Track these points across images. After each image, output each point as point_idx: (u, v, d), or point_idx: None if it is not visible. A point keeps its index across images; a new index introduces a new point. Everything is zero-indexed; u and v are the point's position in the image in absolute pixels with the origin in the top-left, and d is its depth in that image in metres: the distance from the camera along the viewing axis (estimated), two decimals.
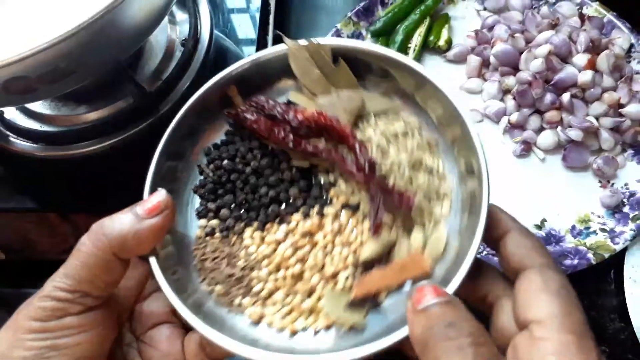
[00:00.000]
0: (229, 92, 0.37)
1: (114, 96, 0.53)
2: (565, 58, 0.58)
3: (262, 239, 0.34)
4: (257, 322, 0.33)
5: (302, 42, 0.36)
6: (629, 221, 0.52)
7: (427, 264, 0.31)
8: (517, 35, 0.60)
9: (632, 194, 0.54)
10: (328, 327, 0.32)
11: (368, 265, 0.32)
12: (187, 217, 0.36)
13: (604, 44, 0.58)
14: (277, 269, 0.33)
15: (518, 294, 0.27)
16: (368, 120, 0.36)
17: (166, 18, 0.55)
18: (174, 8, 0.58)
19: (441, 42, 0.64)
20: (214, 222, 0.35)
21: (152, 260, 0.32)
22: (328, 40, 0.36)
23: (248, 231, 0.34)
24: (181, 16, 0.59)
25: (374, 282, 0.31)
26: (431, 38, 0.65)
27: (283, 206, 0.35)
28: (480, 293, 0.31)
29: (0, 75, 0.37)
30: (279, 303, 0.33)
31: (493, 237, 0.31)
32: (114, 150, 0.50)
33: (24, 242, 0.57)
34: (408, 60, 0.35)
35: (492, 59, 0.61)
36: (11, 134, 0.54)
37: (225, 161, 0.36)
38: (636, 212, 0.53)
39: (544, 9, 0.63)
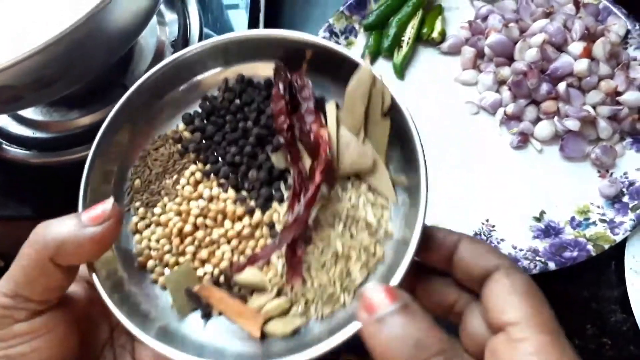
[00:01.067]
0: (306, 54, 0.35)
1: (105, 100, 0.53)
2: (560, 47, 0.57)
3: (196, 183, 0.35)
4: (133, 231, 0.35)
5: (377, 74, 0.33)
6: (629, 211, 0.52)
7: (257, 329, 0.31)
8: (511, 25, 0.59)
9: (632, 183, 0.53)
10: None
11: (229, 281, 0.32)
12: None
13: (600, 31, 0.57)
14: (179, 213, 0.34)
15: (488, 298, 0.27)
16: (358, 187, 0.34)
17: (155, 19, 0.55)
18: (163, 8, 0.58)
19: (435, 34, 0.64)
20: (187, 134, 0.36)
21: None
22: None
23: (194, 167, 0.35)
24: (170, 16, 0.58)
25: (215, 296, 0.32)
26: (424, 30, 0.64)
27: (234, 174, 0.35)
28: (448, 302, 0.31)
29: None
30: (155, 234, 0.34)
31: (444, 254, 0.30)
32: None
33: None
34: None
35: (486, 50, 0.60)
36: (4, 142, 0.54)
37: (238, 101, 0.36)
38: (636, 202, 0.52)
39: None
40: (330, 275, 0.32)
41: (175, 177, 0.35)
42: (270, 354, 0.30)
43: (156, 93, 0.36)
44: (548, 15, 0.60)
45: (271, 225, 0.33)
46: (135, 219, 0.35)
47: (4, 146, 0.54)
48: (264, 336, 0.31)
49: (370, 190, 0.34)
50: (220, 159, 0.35)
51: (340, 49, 0.34)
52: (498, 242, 0.53)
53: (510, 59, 0.59)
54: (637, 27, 0.58)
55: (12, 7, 0.41)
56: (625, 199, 0.53)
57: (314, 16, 0.73)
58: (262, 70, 0.37)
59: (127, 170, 0.36)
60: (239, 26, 0.66)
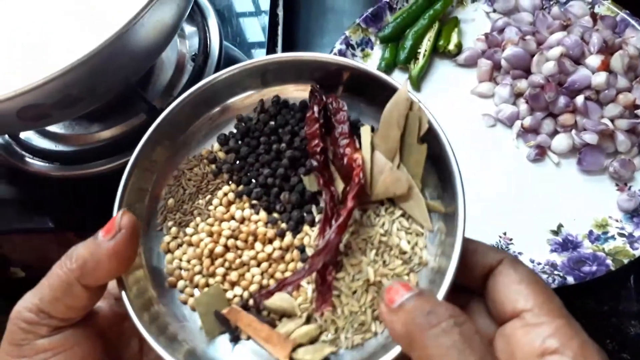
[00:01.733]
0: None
1: (126, 114, 0.53)
2: (578, 59, 0.57)
3: (228, 203, 0.35)
4: (165, 250, 0.35)
5: (414, 98, 0.33)
6: None
7: (286, 355, 0.30)
8: (527, 37, 0.59)
9: None
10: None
11: (257, 305, 0.32)
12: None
13: (618, 43, 0.57)
14: (210, 234, 0.34)
15: (497, 289, 0.29)
16: (392, 212, 0.33)
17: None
18: (183, 23, 0.58)
19: (451, 47, 0.64)
20: (221, 154, 0.37)
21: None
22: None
23: (227, 188, 0.36)
24: (190, 29, 0.59)
25: (243, 320, 0.32)
26: (441, 42, 0.64)
27: (265, 197, 0.35)
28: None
29: (14, 104, 0.37)
30: (187, 255, 0.34)
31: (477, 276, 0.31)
32: None
33: (42, 260, 0.58)
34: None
35: (503, 62, 0.61)
36: (27, 154, 0.55)
37: (273, 122, 0.37)
38: None
39: (555, 10, 0.63)
40: (362, 303, 0.31)
41: (208, 197, 0.35)
42: None
43: (192, 113, 0.37)
44: (565, 27, 0.60)
45: (302, 249, 0.33)
46: (167, 238, 0.35)
47: (27, 159, 0.54)
48: None
49: (405, 216, 0.33)
50: (253, 180, 0.35)
51: (378, 73, 0.34)
52: (516, 256, 0.53)
53: (527, 72, 0.59)
54: None
55: (37, 27, 0.42)
56: None
57: (330, 25, 0.74)
58: (298, 92, 0.37)
59: (160, 189, 0.36)
60: (255, 36, 0.66)
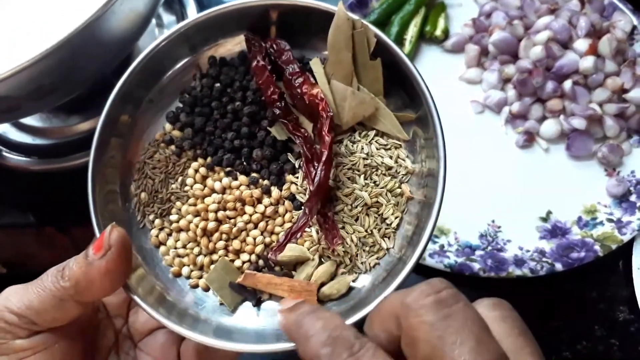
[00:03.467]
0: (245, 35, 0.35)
1: (104, 105, 0.52)
2: (565, 44, 0.57)
3: (203, 178, 0.34)
4: (156, 245, 0.34)
5: (354, 16, 0.33)
6: (636, 210, 0.51)
7: (314, 297, 0.31)
8: (515, 22, 0.58)
9: (639, 182, 0.53)
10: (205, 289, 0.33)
11: (268, 263, 0.33)
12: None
13: (605, 27, 0.57)
14: (196, 214, 0.34)
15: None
16: (366, 135, 0.34)
17: (153, 21, 0.54)
18: (161, 10, 0.57)
19: (438, 32, 0.63)
20: (176, 132, 0.35)
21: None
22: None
23: (196, 164, 0.35)
24: (169, 18, 0.58)
25: (261, 282, 0.32)
26: (427, 28, 0.63)
27: (238, 160, 0.34)
28: None
29: None
30: (180, 241, 0.34)
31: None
32: None
33: (24, 256, 0.57)
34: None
35: (490, 48, 0.60)
36: (4, 149, 0.54)
37: (218, 84, 0.35)
38: None
39: None
40: (366, 226, 0.32)
41: (180, 179, 0.34)
42: (341, 315, 0.30)
43: (133, 101, 0.35)
44: (553, 11, 0.59)
45: (292, 198, 0.34)
46: (154, 232, 0.34)
47: (4, 153, 0.53)
48: (320, 302, 0.32)
49: (379, 134, 0.34)
50: (218, 148, 0.34)
51: (307, 2, 0.34)
52: (504, 244, 0.52)
53: (515, 57, 0.59)
54: None
55: (6, 17, 0.40)
56: (633, 197, 0.52)
57: None
58: (232, 47, 0.36)
59: (128, 187, 0.35)
60: None
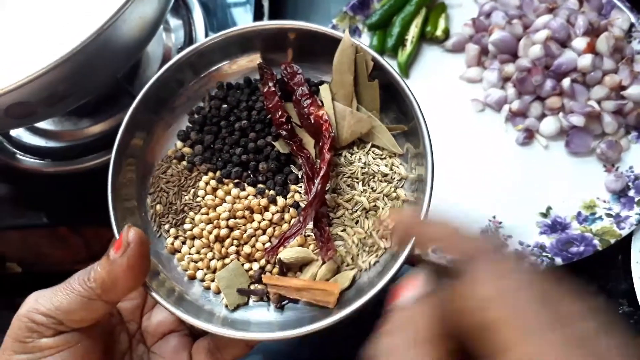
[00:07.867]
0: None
1: (115, 109, 0.54)
2: (564, 42, 0.58)
3: (213, 190, 0.37)
4: (171, 252, 0.37)
5: (357, 42, 0.36)
6: (635, 205, 0.52)
7: (334, 299, 0.33)
8: (514, 21, 0.59)
9: (637, 177, 0.54)
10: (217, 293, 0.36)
11: (282, 267, 0.35)
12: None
13: (603, 25, 0.57)
14: (209, 222, 0.36)
15: None
16: (363, 147, 0.37)
17: (160, 26, 0.55)
18: (168, 15, 0.58)
19: (438, 32, 0.64)
20: (187, 149, 0.38)
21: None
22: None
23: (207, 177, 0.37)
24: (175, 22, 0.59)
25: (282, 283, 0.34)
26: (428, 29, 0.64)
27: (245, 173, 0.37)
28: None
29: (1, 102, 0.38)
30: (194, 247, 0.36)
31: None
32: None
33: (38, 255, 0.58)
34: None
35: (490, 47, 0.61)
36: (18, 151, 0.55)
37: (225, 105, 0.38)
38: None
39: None
40: (366, 228, 0.35)
41: (192, 191, 0.37)
42: (341, 305, 0.33)
43: (143, 125, 0.38)
44: (551, 10, 0.60)
45: (296, 206, 0.36)
46: (169, 240, 0.37)
47: (18, 156, 0.55)
48: None
49: (375, 146, 0.37)
50: (227, 162, 0.37)
51: (319, 28, 0.37)
52: (505, 239, 0.53)
53: (514, 56, 0.60)
54: None
55: (22, 25, 0.42)
56: (631, 193, 0.53)
57: (317, 15, 0.73)
58: (241, 65, 0.40)
59: (144, 201, 0.38)
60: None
